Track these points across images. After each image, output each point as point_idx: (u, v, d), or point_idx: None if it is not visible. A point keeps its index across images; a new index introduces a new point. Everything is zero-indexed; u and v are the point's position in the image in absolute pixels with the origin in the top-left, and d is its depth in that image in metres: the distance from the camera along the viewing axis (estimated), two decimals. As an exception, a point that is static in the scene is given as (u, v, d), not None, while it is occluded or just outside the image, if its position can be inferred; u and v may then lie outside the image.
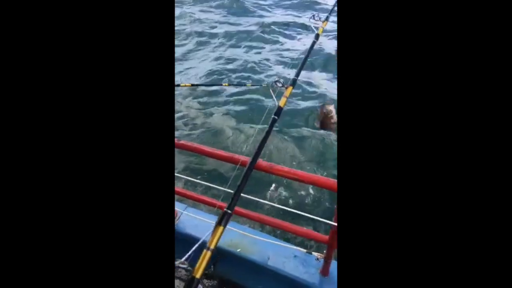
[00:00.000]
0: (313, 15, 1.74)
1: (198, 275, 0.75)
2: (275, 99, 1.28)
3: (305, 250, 1.85)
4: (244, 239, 1.94)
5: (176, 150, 1.40)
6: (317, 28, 1.69)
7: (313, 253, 1.81)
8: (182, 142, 1.55)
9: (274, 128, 1.21)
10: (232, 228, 1.99)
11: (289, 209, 1.61)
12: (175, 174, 1.62)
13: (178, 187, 2.23)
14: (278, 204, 2.05)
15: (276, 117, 1.22)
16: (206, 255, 0.78)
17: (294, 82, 1.35)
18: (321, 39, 1.72)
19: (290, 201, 3.63)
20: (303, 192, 3.70)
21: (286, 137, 4.64)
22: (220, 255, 2.02)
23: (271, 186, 3.77)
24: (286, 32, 8.68)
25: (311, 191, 3.70)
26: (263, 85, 1.32)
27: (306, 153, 4.38)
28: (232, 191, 0.97)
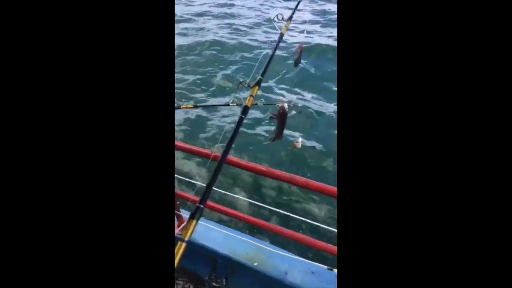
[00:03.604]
0: (277, 15, 1.79)
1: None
2: (242, 98, 1.34)
3: (326, 267, 1.78)
4: (261, 253, 1.88)
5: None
6: (281, 28, 1.75)
7: (334, 269, 1.75)
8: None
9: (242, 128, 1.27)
10: (249, 240, 1.94)
11: (311, 222, 1.58)
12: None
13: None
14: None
15: (243, 116, 1.28)
16: (181, 247, 0.83)
17: (259, 82, 1.41)
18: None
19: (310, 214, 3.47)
20: (319, 203, 3.58)
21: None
22: (234, 269, 1.94)
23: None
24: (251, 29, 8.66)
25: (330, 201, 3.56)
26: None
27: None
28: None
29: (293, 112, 1.49)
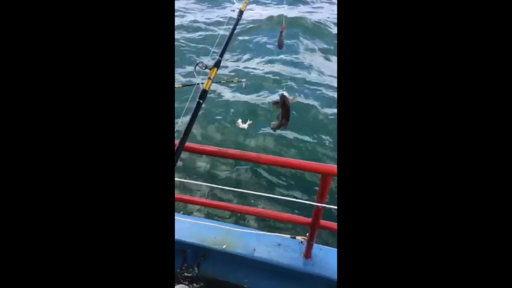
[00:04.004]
0: (236, -9, 1.69)
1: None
2: (199, 81, 1.24)
3: (289, 236, 1.88)
4: (228, 235, 1.92)
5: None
6: (240, 5, 1.65)
7: (297, 237, 1.85)
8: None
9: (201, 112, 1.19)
10: (215, 225, 1.97)
11: (272, 195, 1.66)
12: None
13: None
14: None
15: (201, 101, 1.19)
16: None
17: (218, 63, 1.31)
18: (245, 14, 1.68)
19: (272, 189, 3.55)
20: (278, 178, 3.65)
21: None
22: (205, 255, 1.96)
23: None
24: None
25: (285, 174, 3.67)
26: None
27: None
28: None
29: (294, 96, 1.51)
